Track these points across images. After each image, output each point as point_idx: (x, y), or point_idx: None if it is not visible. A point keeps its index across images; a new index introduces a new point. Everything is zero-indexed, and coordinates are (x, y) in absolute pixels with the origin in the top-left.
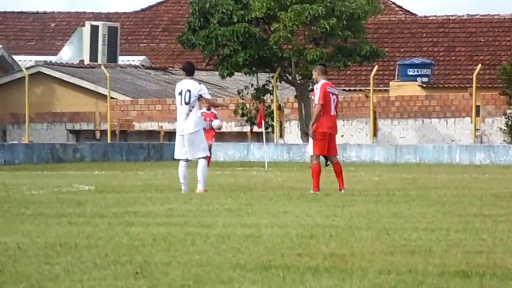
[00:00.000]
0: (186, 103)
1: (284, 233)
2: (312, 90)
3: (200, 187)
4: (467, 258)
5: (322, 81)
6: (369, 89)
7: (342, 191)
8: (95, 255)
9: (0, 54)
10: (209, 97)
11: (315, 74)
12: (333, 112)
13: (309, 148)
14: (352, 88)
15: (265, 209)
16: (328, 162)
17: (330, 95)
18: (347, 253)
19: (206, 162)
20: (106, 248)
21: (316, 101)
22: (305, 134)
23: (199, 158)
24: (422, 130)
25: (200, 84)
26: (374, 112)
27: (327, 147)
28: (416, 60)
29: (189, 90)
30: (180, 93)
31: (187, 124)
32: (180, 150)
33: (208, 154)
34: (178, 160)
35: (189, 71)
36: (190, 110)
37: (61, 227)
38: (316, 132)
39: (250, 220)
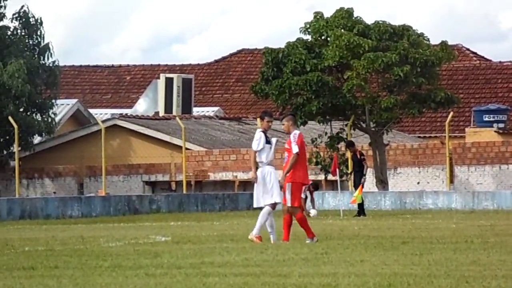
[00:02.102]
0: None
1: (362, 282)
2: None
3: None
4: None
5: (297, 131)
6: (445, 136)
7: (310, 240)
8: None
9: (76, 108)
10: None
11: (286, 124)
12: (306, 163)
13: (287, 199)
14: (427, 135)
15: (342, 258)
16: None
17: (305, 145)
18: None
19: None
20: None
21: (294, 150)
22: (380, 182)
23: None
24: (499, 176)
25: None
26: (450, 159)
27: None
28: (492, 106)
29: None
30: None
31: None
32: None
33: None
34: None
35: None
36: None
37: (139, 279)
38: (294, 184)
39: (326, 269)
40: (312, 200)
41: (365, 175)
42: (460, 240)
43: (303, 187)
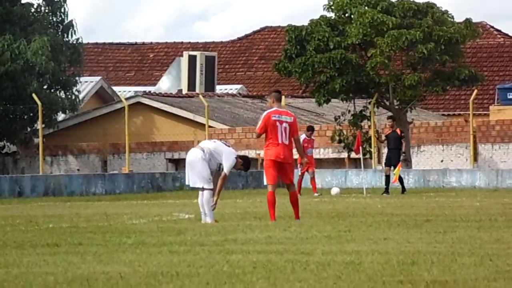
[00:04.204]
0: None
1: (385, 260)
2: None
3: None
4: None
5: (269, 110)
6: (469, 114)
7: (297, 220)
8: (196, 284)
9: (100, 85)
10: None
11: (269, 101)
12: (281, 140)
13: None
14: (451, 113)
15: (365, 236)
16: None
17: (277, 123)
18: (449, 280)
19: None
20: (207, 277)
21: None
22: (403, 160)
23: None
24: None
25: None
26: (474, 137)
27: (277, 175)
28: None
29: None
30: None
31: None
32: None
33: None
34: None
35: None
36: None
37: (162, 256)
38: (265, 161)
39: (350, 247)
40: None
41: (404, 152)
42: (484, 218)
43: (284, 164)
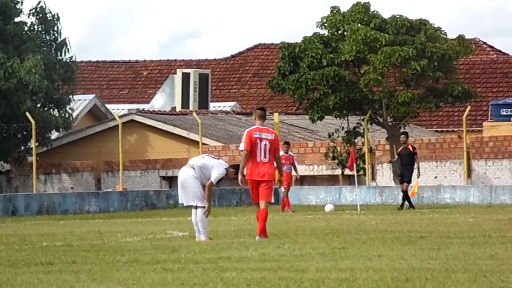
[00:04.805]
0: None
1: (379, 277)
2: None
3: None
4: None
5: (250, 127)
6: (462, 130)
7: (257, 238)
8: None
9: (94, 104)
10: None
11: (253, 118)
12: (261, 158)
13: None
14: (444, 129)
15: (359, 253)
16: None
17: (258, 141)
18: None
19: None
20: None
21: (240, 147)
22: (397, 176)
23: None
24: None
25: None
26: (468, 153)
27: (258, 194)
28: (509, 100)
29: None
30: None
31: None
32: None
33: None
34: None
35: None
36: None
37: (156, 274)
38: (248, 181)
39: (344, 264)
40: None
41: (419, 170)
42: (478, 235)
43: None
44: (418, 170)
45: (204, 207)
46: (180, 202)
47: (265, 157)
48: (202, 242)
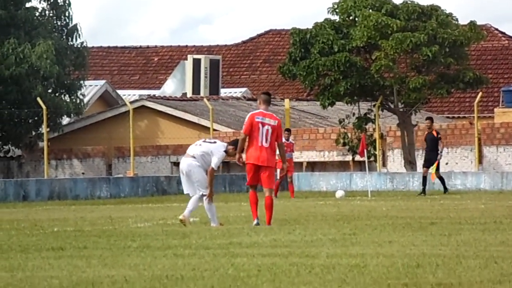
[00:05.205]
0: None
1: (390, 263)
2: (429, 117)
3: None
4: None
5: (253, 111)
6: (473, 116)
7: (268, 226)
8: (201, 287)
9: (105, 89)
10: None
11: (257, 103)
12: (262, 143)
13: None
14: (455, 115)
15: (370, 239)
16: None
17: (260, 125)
18: (454, 283)
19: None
20: (212, 280)
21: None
22: (408, 163)
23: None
24: None
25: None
26: (479, 139)
27: (256, 178)
28: None
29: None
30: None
31: None
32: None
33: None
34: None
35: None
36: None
37: (167, 259)
38: (246, 163)
39: (354, 250)
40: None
41: (441, 152)
42: (489, 221)
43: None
44: (441, 152)
45: (204, 195)
46: (185, 192)
47: (266, 142)
48: (213, 228)
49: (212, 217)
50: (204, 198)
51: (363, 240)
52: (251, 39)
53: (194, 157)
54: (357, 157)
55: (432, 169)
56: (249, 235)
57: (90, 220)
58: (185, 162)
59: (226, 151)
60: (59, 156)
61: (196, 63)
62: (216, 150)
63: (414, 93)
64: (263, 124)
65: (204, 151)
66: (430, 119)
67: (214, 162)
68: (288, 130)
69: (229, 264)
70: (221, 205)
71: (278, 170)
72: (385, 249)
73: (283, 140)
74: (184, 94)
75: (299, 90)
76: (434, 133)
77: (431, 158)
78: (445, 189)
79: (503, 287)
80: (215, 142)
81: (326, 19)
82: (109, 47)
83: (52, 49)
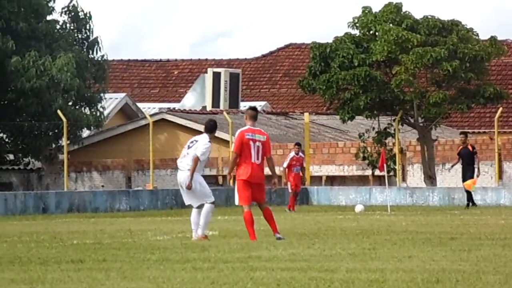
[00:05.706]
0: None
1: (410, 278)
2: (464, 132)
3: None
4: None
5: (242, 128)
6: (494, 131)
7: (276, 235)
8: None
9: (125, 102)
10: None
11: (244, 118)
12: (254, 160)
13: (235, 197)
14: (476, 131)
15: (389, 254)
16: (469, 204)
17: (251, 142)
18: None
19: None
20: None
21: (231, 149)
22: (428, 177)
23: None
24: None
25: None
26: (499, 155)
27: (251, 195)
28: None
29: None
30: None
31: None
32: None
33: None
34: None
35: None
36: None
37: (186, 273)
38: (237, 181)
39: (374, 265)
40: (293, 200)
41: (478, 169)
42: (509, 236)
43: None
44: (478, 169)
45: (213, 202)
46: (187, 203)
47: (257, 159)
48: (195, 239)
49: (203, 225)
50: (206, 204)
51: (382, 255)
52: (271, 53)
53: (188, 170)
54: (377, 172)
55: (471, 184)
56: (268, 249)
57: (110, 232)
58: (182, 176)
59: (209, 141)
60: (79, 168)
61: (216, 77)
62: (200, 144)
63: (434, 108)
64: (254, 141)
65: (194, 156)
66: (465, 133)
67: (199, 151)
68: (299, 144)
69: (248, 278)
70: (240, 218)
71: (289, 184)
72: (405, 264)
73: (293, 154)
74: (204, 107)
75: (318, 104)
76: (470, 147)
77: (467, 172)
78: (472, 203)
79: None
80: (197, 141)
81: (346, 33)
82: (129, 60)
83: (72, 62)
